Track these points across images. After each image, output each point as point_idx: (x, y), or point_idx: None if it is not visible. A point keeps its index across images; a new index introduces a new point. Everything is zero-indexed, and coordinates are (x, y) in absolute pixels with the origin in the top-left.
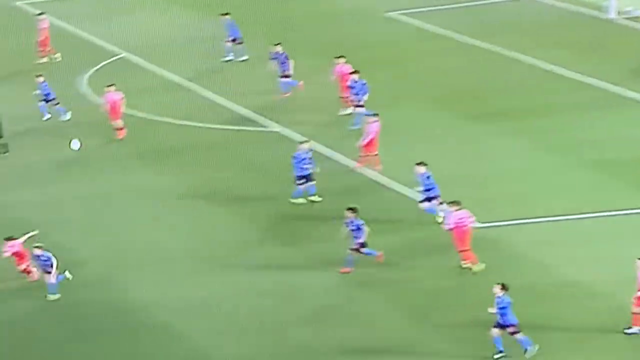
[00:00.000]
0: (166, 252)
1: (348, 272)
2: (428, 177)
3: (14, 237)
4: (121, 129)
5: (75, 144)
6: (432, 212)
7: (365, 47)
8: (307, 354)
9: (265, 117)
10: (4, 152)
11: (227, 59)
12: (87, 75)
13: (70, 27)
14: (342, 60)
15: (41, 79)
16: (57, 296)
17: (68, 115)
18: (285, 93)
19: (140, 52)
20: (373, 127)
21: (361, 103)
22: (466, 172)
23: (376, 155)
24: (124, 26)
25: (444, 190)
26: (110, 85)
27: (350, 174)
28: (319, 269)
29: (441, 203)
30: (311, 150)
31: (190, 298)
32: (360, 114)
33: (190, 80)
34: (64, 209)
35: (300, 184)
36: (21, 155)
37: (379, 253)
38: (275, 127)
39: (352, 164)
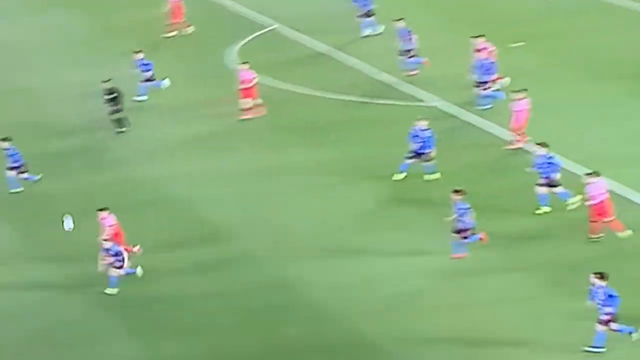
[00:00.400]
0: (319, 228)
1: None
2: (550, 159)
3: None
4: (249, 109)
5: (69, 224)
6: (563, 197)
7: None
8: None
9: (426, 90)
10: (122, 128)
11: (366, 33)
12: (236, 48)
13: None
14: (481, 39)
15: (140, 56)
16: (115, 290)
17: (167, 82)
18: (412, 71)
19: (292, 23)
20: (521, 104)
21: (487, 83)
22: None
23: (524, 133)
24: None
25: (616, 170)
26: (244, 63)
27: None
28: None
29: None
30: (428, 129)
31: (349, 277)
32: (487, 94)
33: (344, 52)
34: (209, 184)
35: (409, 159)
36: (154, 129)
37: (481, 235)
38: (434, 102)
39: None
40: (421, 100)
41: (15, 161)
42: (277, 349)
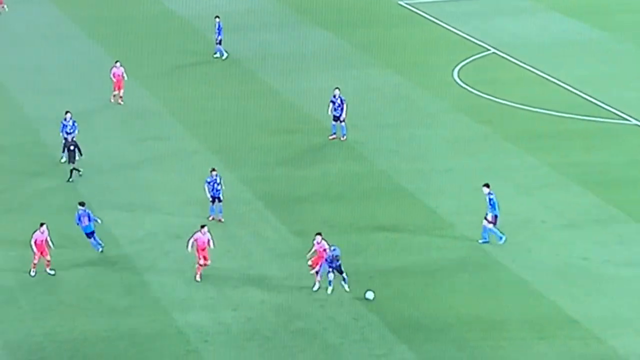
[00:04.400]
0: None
1: None
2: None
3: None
4: None
5: (370, 295)
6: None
7: None
8: None
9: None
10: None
11: None
12: (458, 67)
13: (445, 25)
14: None
15: (218, 20)
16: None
17: (225, 54)
18: None
19: (508, 49)
20: None
21: None
22: None
23: None
24: (494, 25)
25: None
26: None
27: None
28: None
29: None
30: None
31: (565, 261)
32: None
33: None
34: (436, 178)
35: None
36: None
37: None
38: (634, 121)
39: None
40: (625, 119)
41: None
42: None
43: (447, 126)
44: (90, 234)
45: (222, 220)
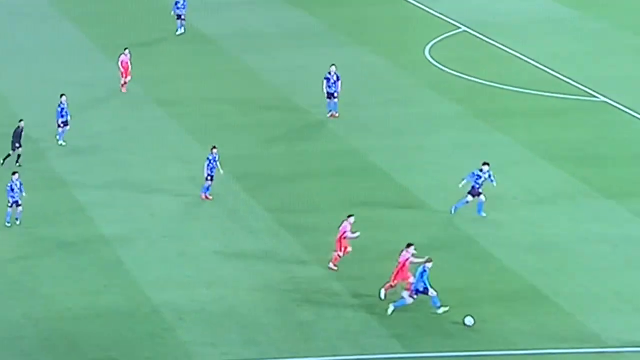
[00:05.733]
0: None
1: None
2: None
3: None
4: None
5: (470, 321)
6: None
7: None
8: None
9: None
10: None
11: None
12: (429, 46)
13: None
14: None
15: None
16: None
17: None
18: None
19: (479, 27)
20: None
21: None
22: None
23: None
24: (465, 3)
25: None
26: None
27: None
28: None
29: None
30: None
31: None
32: None
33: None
34: (409, 156)
35: None
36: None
37: None
38: (603, 98)
39: None
40: (595, 96)
41: None
42: None
43: (420, 104)
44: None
45: (211, 197)
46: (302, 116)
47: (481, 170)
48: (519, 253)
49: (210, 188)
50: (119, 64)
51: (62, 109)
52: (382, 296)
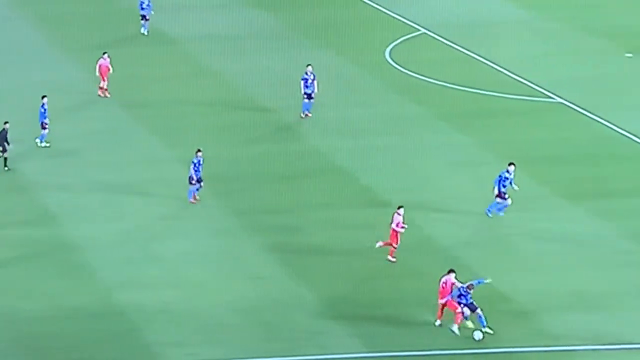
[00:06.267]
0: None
1: None
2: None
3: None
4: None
5: (478, 335)
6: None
7: None
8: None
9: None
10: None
11: None
12: (390, 48)
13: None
14: None
15: None
16: (484, 332)
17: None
18: None
19: (438, 29)
20: None
21: None
22: None
23: None
24: (424, 6)
25: None
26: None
27: None
28: None
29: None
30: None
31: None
32: None
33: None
34: (371, 156)
35: None
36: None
37: None
38: (560, 99)
39: None
40: (551, 97)
41: None
42: None
43: (380, 105)
44: None
45: (198, 198)
46: (267, 117)
47: (507, 171)
48: (476, 251)
49: (198, 190)
50: (97, 67)
51: (45, 110)
52: (455, 329)
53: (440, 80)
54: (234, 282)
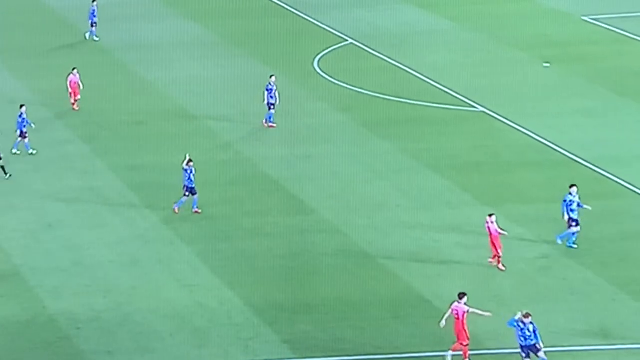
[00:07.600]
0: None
1: None
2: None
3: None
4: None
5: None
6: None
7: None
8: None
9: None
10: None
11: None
12: (318, 57)
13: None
14: None
15: (94, 3)
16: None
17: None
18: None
19: (365, 39)
20: None
21: None
22: None
23: None
24: (352, 16)
25: None
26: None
27: None
28: None
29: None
30: None
31: (419, 243)
32: None
33: (405, 65)
34: (299, 164)
35: None
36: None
37: None
38: (481, 108)
39: None
40: (471, 106)
41: None
42: None
43: (308, 114)
44: None
45: (200, 211)
46: (197, 125)
47: (570, 194)
48: (402, 258)
49: (184, 202)
50: (68, 83)
51: (23, 119)
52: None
53: (366, 89)
54: (163, 289)
